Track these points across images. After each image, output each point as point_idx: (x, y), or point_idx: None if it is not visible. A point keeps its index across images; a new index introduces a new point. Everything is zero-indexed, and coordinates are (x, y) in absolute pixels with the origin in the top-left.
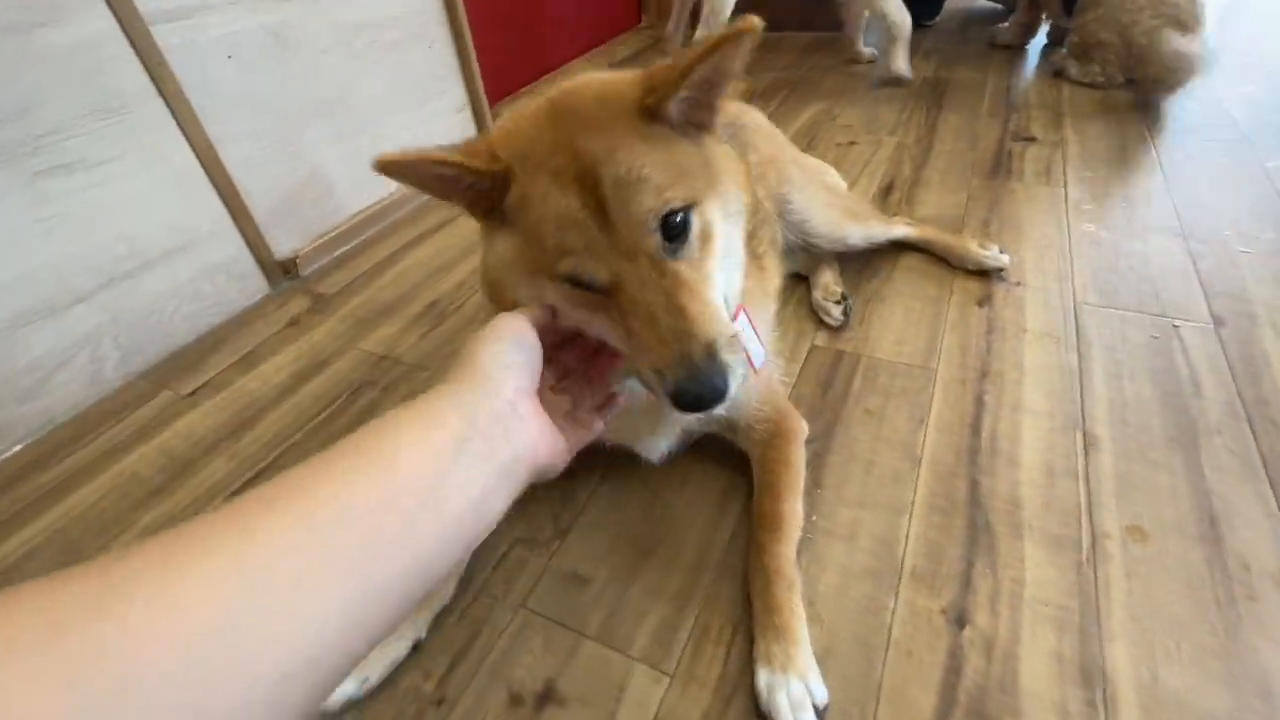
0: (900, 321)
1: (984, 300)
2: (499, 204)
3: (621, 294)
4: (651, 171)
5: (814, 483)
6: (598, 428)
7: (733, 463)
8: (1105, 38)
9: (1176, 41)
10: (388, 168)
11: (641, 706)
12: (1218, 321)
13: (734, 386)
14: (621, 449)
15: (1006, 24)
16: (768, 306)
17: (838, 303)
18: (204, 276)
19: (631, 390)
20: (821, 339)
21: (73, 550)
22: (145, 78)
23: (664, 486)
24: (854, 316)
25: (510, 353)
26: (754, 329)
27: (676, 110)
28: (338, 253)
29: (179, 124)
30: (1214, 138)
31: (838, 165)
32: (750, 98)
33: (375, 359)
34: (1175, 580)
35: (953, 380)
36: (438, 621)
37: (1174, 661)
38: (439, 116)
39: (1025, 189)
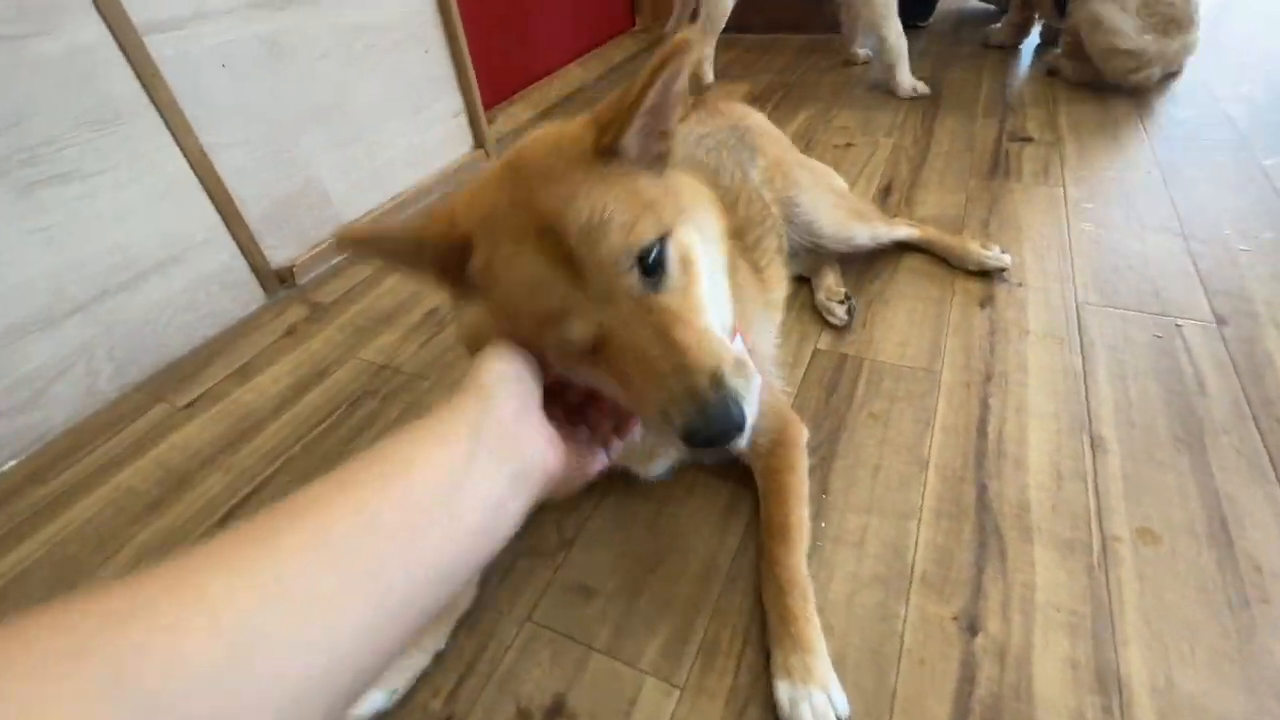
0: (903, 324)
1: (986, 301)
2: (465, 273)
3: (610, 345)
4: (616, 211)
5: (820, 489)
6: (615, 449)
7: (736, 472)
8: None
9: (1114, 36)
10: (345, 245)
11: None
12: (1220, 320)
13: (750, 413)
14: (620, 468)
15: (999, 24)
16: (772, 317)
17: (841, 302)
18: (199, 286)
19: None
20: (824, 342)
21: (70, 567)
22: (138, 88)
23: (669, 497)
24: (856, 319)
25: (510, 371)
26: (747, 351)
27: (633, 144)
28: (335, 260)
29: (172, 133)
30: (1211, 137)
31: (835, 167)
32: (751, 99)
33: (375, 368)
34: (1187, 583)
35: (957, 383)
36: None
37: (1189, 666)
38: (435, 123)
39: (1023, 189)
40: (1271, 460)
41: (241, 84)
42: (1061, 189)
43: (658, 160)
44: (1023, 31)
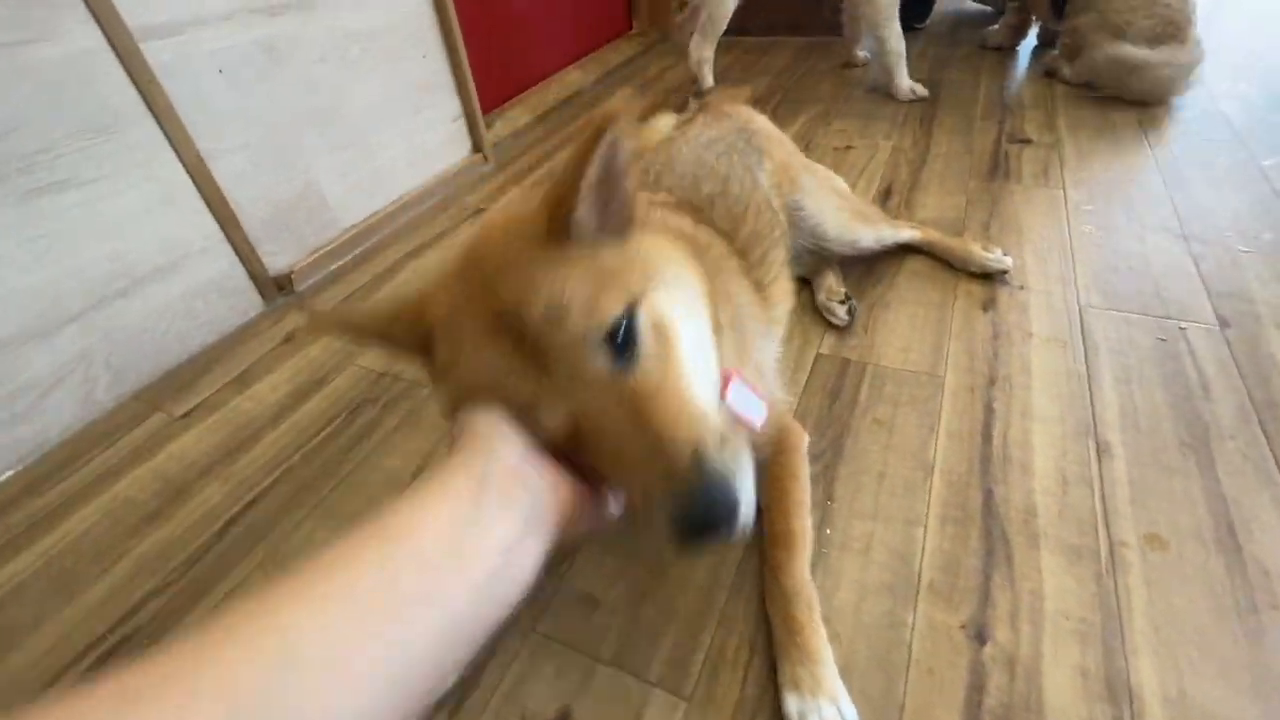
0: (905, 328)
1: (988, 305)
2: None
3: (584, 432)
4: (575, 292)
5: (826, 495)
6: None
7: None
8: (1097, 39)
9: (1117, 49)
10: (317, 329)
11: None
12: (1223, 323)
13: (744, 495)
14: None
15: (996, 26)
16: (774, 332)
17: (842, 302)
18: (196, 294)
19: None
20: (827, 347)
21: (67, 579)
22: (135, 94)
23: None
24: (858, 323)
25: (506, 420)
26: (748, 388)
27: (589, 218)
28: (333, 267)
29: (170, 140)
30: (1209, 138)
31: (835, 170)
32: (753, 101)
33: (375, 376)
34: (1196, 589)
35: (961, 387)
36: None
37: (1200, 673)
38: (433, 127)
39: (1024, 191)
40: (1278, 464)
41: (239, 90)
42: (1061, 191)
43: (621, 227)
44: (1020, 33)
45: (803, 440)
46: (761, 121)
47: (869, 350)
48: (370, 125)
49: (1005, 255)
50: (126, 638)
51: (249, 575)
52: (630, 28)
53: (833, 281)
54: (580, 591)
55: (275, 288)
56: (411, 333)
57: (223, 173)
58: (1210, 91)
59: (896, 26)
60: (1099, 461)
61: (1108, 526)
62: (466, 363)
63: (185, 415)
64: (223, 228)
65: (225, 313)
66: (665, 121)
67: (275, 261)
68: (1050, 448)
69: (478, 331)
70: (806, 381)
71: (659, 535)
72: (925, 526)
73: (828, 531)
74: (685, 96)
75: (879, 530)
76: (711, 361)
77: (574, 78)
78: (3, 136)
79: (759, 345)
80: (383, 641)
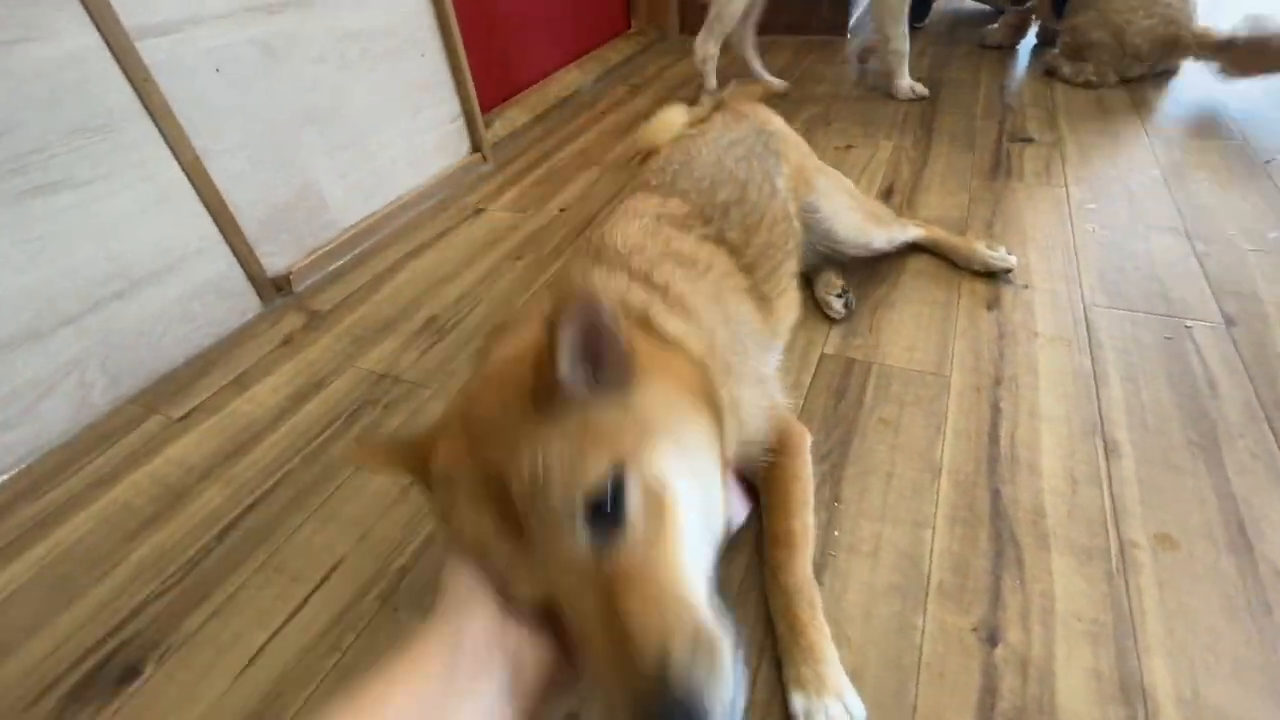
0: (910, 327)
1: (993, 304)
2: None
3: (558, 610)
4: (558, 459)
5: (833, 496)
6: None
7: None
8: (1098, 38)
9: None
10: (356, 459)
11: None
12: (1229, 321)
13: (715, 710)
14: None
15: (996, 25)
16: (777, 345)
17: (839, 296)
18: (194, 296)
19: None
20: (832, 346)
21: (63, 586)
22: (131, 94)
23: None
24: (863, 322)
25: (485, 583)
26: (731, 488)
27: (576, 378)
28: (332, 267)
29: (166, 140)
30: (1211, 136)
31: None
32: (765, 99)
33: (375, 377)
34: (1208, 590)
35: (967, 387)
36: None
37: (1214, 674)
38: (433, 127)
39: (1026, 190)
40: None
41: (236, 89)
42: (1064, 189)
43: (619, 380)
44: (1020, 32)
45: (805, 441)
46: (778, 123)
47: (874, 349)
48: (369, 125)
49: (1010, 254)
50: (124, 644)
51: (249, 579)
52: (629, 27)
53: (831, 275)
54: None
55: (274, 289)
56: (422, 471)
57: (220, 173)
58: (1212, 90)
59: (903, 27)
60: (1107, 461)
61: (1118, 526)
62: (455, 517)
63: (183, 418)
64: (220, 228)
65: (223, 314)
66: (676, 115)
67: (273, 262)
68: (1058, 447)
69: (466, 490)
70: (811, 381)
71: None
72: (934, 528)
73: (835, 533)
74: (696, 88)
75: (887, 531)
76: (714, 515)
77: (572, 77)
78: None
79: (760, 359)
80: None
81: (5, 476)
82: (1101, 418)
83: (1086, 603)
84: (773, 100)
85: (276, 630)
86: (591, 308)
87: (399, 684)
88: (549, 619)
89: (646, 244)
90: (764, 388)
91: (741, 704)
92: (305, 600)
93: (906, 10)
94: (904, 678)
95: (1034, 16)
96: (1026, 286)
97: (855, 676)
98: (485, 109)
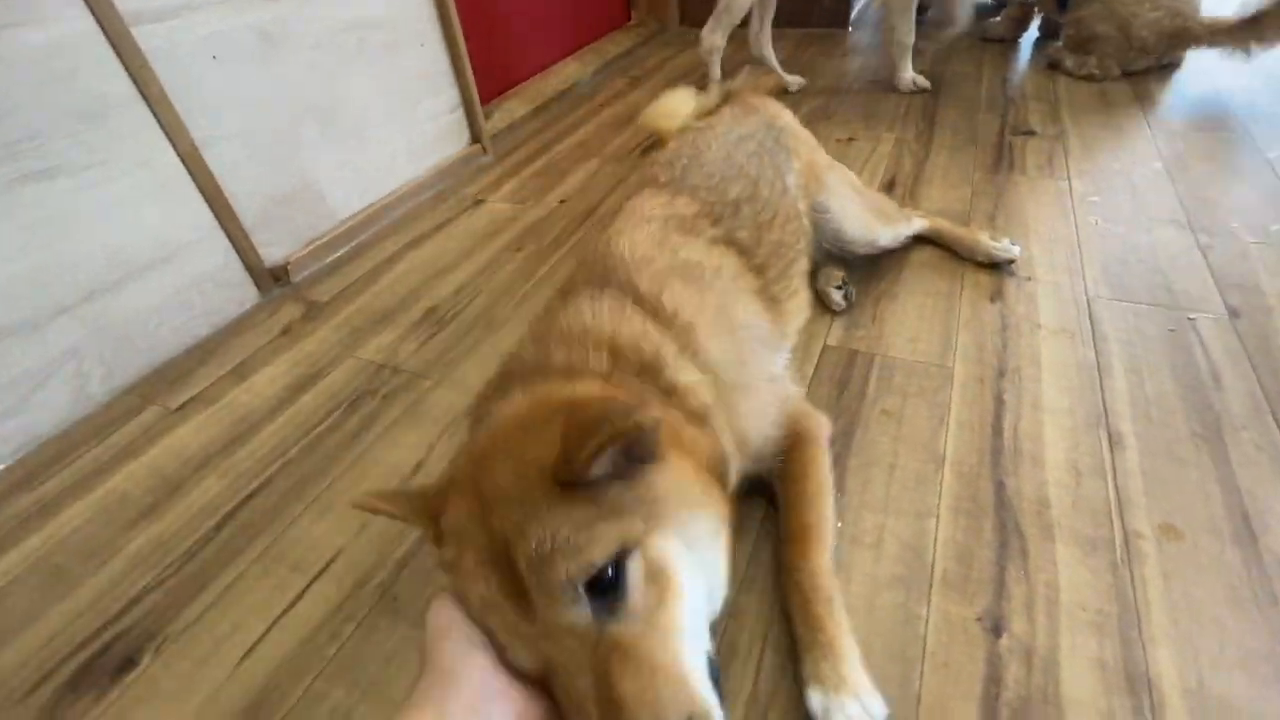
0: (913, 319)
1: (996, 295)
2: None
3: (554, 682)
4: (568, 536)
5: (837, 488)
6: None
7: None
8: (1103, 30)
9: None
10: (363, 506)
11: None
12: (1233, 313)
13: None
14: None
15: (998, 18)
16: (784, 347)
17: (839, 288)
18: (191, 285)
19: None
20: (834, 338)
21: (60, 576)
22: (127, 80)
23: None
24: (866, 313)
25: (467, 635)
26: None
27: (601, 469)
28: (330, 258)
29: (163, 128)
30: (1213, 129)
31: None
32: (775, 93)
33: (374, 368)
34: (1213, 580)
35: (970, 378)
36: None
37: (1219, 665)
38: (432, 117)
39: (1029, 182)
40: None
41: (234, 77)
42: (1067, 182)
43: (638, 463)
44: (1022, 25)
45: (822, 431)
46: (787, 117)
47: (877, 341)
48: (367, 114)
49: (1013, 245)
50: (121, 634)
51: (247, 570)
52: (629, 19)
53: (832, 267)
54: None
55: (271, 279)
56: (432, 524)
57: (217, 162)
58: (1214, 83)
59: (911, 19)
60: (1111, 453)
61: (1122, 517)
62: (462, 576)
63: (180, 408)
64: (218, 218)
65: (221, 305)
66: (682, 99)
67: (271, 253)
68: (1062, 439)
69: (474, 552)
70: (814, 372)
71: None
72: (937, 518)
73: (838, 525)
74: (696, 80)
75: (890, 523)
76: (716, 594)
77: (572, 69)
78: None
79: (769, 359)
80: None
81: (2, 466)
82: (1105, 410)
83: (1091, 593)
84: (776, 93)
85: (275, 620)
86: (641, 434)
87: None
88: (545, 686)
89: (654, 256)
90: (774, 387)
91: None
92: (304, 590)
93: (915, 3)
94: (908, 668)
95: (1037, 10)
96: (1030, 279)
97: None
98: (484, 101)
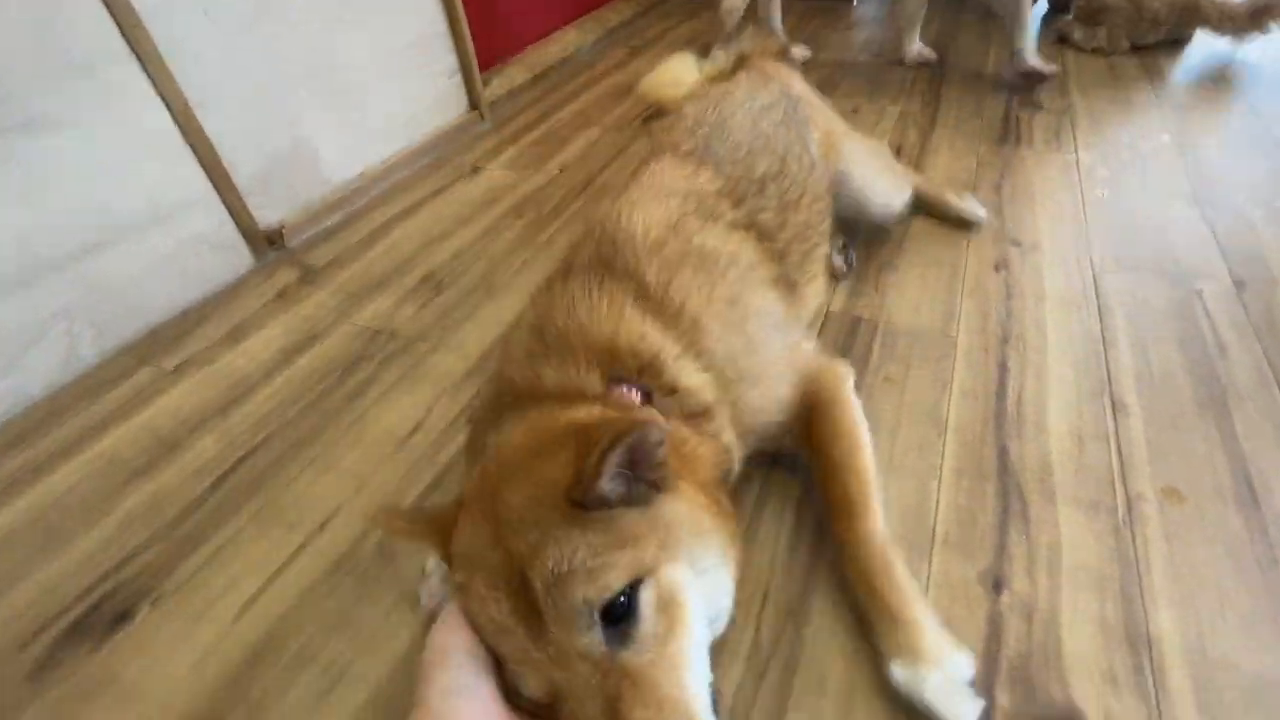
0: (916, 287)
1: (1000, 265)
2: None
3: (562, 708)
4: (583, 560)
5: None
6: None
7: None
8: (1115, 2)
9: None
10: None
11: None
12: (1239, 285)
13: None
14: None
15: None
16: (805, 330)
17: (839, 251)
18: (185, 247)
19: None
20: (837, 304)
21: (52, 534)
22: (117, 35)
23: None
24: (869, 283)
25: (455, 675)
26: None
27: (612, 489)
28: (326, 223)
29: (156, 86)
30: (1222, 105)
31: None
32: (784, 57)
33: (370, 333)
34: (1215, 543)
35: (974, 346)
36: None
37: (1220, 625)
38: (430, 82)
39: (1035, 155)
40: None
41: (226, 34)
42: (1074, 155)
43: (653, 489)
44: None
45: (843, 383)
46: (801, 84)
47: (879, 308)
48: (364, 77)
49: (979, 207)
50: (117, 589)
51: (244, 528)
52: None
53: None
54: None
55: (266, 243)
56: (443, 544)
57: (212, 123)
58: (1222, 60)
59: None
60: (1115, 420)
61: (1124, 481)
62: (473, 598)
63: (175, 370)
64: (212, 180)
65: (215, 268)
66: (685, 66)
67: (265, 216)
68: (1066, 407)
69: (486, 574)
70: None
71: None
72: (939, 482)
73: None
74: (697, 50)
75: (893, 486)
76: (720, 620)
77: (572, 37)
78: None
79: (780, 342)
80: None
81: None
82: (1110, 379)
83: (1093, 554)
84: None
85: (272, 576)
86: (645, 434)
87: None
88: (551, 713)
89: (667, 239)
90: (782, 368)
91: None
92: (300, 548)
93: None
94: None
95: None
96: (1035, 249)
97: None
98: (483, 67)
